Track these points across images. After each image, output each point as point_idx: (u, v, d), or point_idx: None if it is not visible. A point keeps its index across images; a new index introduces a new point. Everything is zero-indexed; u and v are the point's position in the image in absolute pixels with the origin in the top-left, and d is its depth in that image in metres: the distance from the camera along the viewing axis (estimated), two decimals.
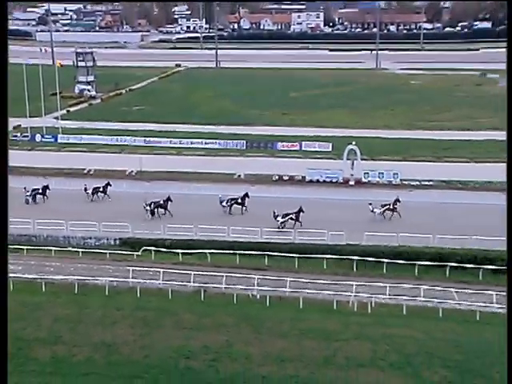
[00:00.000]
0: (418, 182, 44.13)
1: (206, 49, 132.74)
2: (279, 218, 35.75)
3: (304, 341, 23.79)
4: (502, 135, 55.41)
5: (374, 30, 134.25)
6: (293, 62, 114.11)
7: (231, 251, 32.17)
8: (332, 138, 55.25)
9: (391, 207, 37.31)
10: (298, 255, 31.74)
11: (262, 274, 29.32)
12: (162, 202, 37.80)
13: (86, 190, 40.83)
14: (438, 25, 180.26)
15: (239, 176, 46.01)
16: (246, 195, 38.37)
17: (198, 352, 22.77)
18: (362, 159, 45.02)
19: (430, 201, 40.22)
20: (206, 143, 55.68)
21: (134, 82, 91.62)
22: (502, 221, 33.82)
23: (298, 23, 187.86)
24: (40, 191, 40.73)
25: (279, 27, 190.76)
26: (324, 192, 42.48)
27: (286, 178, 45.48)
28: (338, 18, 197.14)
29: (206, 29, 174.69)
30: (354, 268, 31.19)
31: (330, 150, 53.13)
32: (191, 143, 55.79)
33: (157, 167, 47.37)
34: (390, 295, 27.65)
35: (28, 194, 40.26)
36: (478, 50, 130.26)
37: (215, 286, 28.59)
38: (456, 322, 25.71)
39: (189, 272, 29.08)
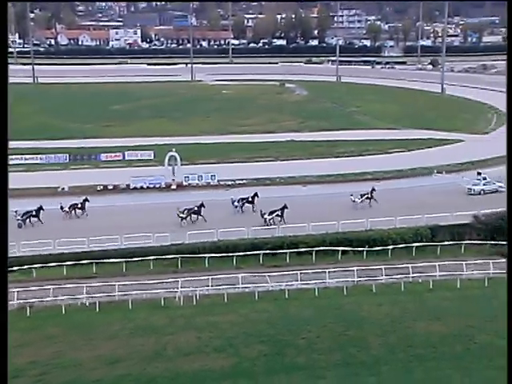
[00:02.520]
0: (233, 182, 45.68)
1: (21, 64, 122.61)
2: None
3: (134, 339, 23.29)
4: (300, 136, 60.78)
5: (188, 45, 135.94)
6: (113, 76, 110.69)
7: (57, 263, 30.22)
8: (154, 147, 54.74)
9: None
10: (125, 260, 30.94)
11: (90, 282, 28.05)
12: None
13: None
14: (244, 41, 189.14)
15: (63, 189, 43.41)
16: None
17: (24, 369, 21.02)
18: (182, 164, 45.31)
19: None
20: (26, 159, 51.49)
21: None
22: (301, 209, 37.06)
23: (116, 39, 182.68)
24: None
25: (98, 43, 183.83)
26: (147, 197, 41.97)
27: (110, 187, 44.03)
28: (155, 35, 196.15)
29: (19, 44, 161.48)
30: (179, 265, 31.30)
31: (153, 157, 52.59)
32: (11, 159, 51.10)
33: None
34: (212, 286, 28.26)
35: None
36: (277, 63, 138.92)
37: (42, 300, 26.64)
38: (268, 302, 27.17)
39: (12, 290, 26.67)
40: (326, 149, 55.05)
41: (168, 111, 76.04)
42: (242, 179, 45.85)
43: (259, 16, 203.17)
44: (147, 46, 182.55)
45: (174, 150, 45.30)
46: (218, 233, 33.48)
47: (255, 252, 32.05)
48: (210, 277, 28.57)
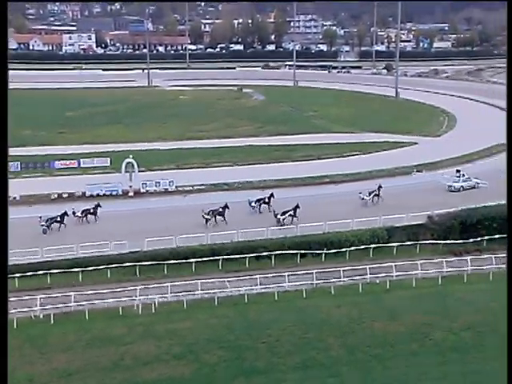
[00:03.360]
0: (191, 187, 45.47)
1: None
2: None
3: (90, 350, 22.84)
4: (258, 141, 61.09)
5: (144, 50, 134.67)
6: (67, 82, 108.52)
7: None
8: (110, 153, 53.91)
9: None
10: (81, 269, 30.31)
11: (44, 294, 27.32)
12: None
13: None
14: (201, 46, 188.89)
15: (14, 198, 42.12)
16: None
17: None
18: (139, 171, 44.78)
19: (205, 203, 41.11)
20: None
21: None
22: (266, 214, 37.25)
23: (69, 44, 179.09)
24: None
25: (50, 48, 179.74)
26: (104, 205, 41.22)
27: (65, 195, 43.07)
28: (110, 40, 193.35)
29: None
30: (137, 273, 30.90)
31: (109, 164, 51.74)
32: None
33: None
34: (172, 293, 28.03)
35: None
36: (234, 68, 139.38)
37: None
38: (228, 307, 27.17)
39: None
40: (284, 153, 55.53)
41: (124, 117, 75.11)
42: (201, 185, 45.71)
43: (216, 21, 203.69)
44: (102, 51, 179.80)
45: (130, 156, 44.74)
46: (177, 239, 33.25)
47: (214, 257, 31.98)
48: (169, 284, 28.32)
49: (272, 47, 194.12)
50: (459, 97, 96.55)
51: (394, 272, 30.56)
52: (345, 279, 30.00)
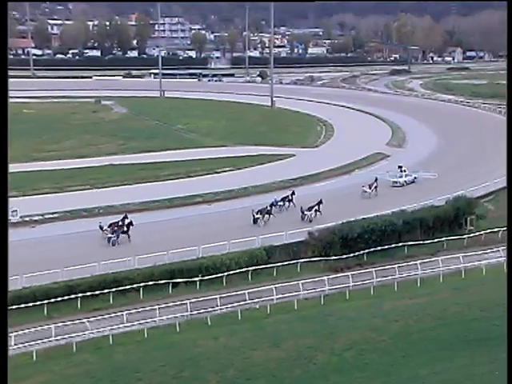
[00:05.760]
0: (41, 217, 43.58)
1: None
2: None
3: None
4: (120, 159, 60.25)
5: None
6: None
7: None
8: None
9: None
10: None
11: None
12: None
13: None
14: (49, 51, 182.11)
15: None
16: None
17: None
18: None
19: (52, 234, 39.92)
20: None
21: None
22: (125, 242, 36.83)
23: None
24: None
25: None
26: None
27: None
28: None
29: None
30: None
31: None
32: None
33: None
34: (17, 344, 26.44)
35: None
36: (90, 77, 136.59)
37: None
38: (89, 351, 26.44)
39: None
40: (150, 172, 55.42)
41: None
42: (53, 213, 44.02)
43: (66, 22, 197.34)
44: None
45: None
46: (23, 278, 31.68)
47: (71, 296, 30.96)
48: (13, 334, 26.76)
49: (134, 53, 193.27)
50: (335, 105, 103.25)
51: (275, 295, 31.78)
52: (222, 307, 30.60)
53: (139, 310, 29.71)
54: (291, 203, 44.85)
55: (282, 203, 44.39)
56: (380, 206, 43.40)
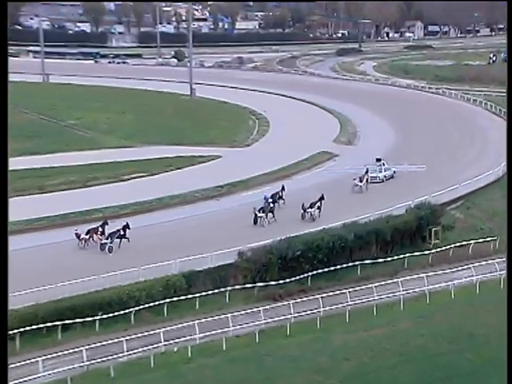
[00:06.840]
0: None
1: None
2: None
3: None
4: None
5: None
6: None
7: None
8: None
9: None
10: None
11: None
12: None
13: None
14: None
15: None
16: None
17: None
18: None
19: None
20: None
21: None
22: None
23: None
24: None
25: None
26: None
27: None
28: None
29: None
30: None
31: None
32: None
33: None
34: None
35: None
36: None
37: None
38: None
39: None
40: (33, 181, 54.23)
41: None
42: None
43: None
44: None
45: None
46: None
47: None
48: None
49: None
50: (271, 93, 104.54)
51: (198, 333, 31.75)
52: (129, 353, 30.25)
53: (16, 364, 27.90)
54: (282, 200, 48.37)
55: (272, 200, 46.53)
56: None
